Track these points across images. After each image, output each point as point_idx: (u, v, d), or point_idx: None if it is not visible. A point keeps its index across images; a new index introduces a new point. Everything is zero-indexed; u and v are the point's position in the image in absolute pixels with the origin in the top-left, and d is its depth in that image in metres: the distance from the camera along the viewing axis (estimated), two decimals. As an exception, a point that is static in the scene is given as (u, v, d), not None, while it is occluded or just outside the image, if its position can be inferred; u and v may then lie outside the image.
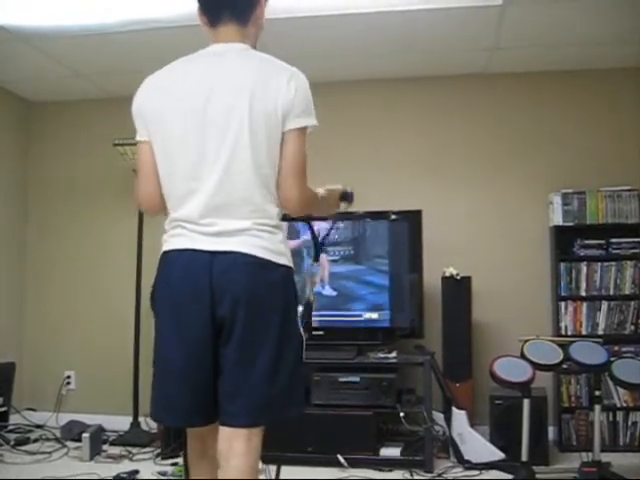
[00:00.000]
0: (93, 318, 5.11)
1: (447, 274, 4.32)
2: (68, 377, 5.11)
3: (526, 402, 3.65)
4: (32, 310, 5.26)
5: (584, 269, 4.40)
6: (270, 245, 1.90)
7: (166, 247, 1.97)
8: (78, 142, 5.29)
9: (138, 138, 2.02)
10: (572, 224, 4.41)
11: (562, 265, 4.41)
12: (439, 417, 4.10)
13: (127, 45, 4.22)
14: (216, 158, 1.88)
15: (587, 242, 4.42)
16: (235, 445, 1.88)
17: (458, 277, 4.30)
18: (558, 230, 4.44)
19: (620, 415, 4.28)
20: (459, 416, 4.02)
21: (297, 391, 2.01)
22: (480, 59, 4.54)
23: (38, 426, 4.82)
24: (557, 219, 4.44)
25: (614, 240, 4.39)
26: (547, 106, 4.74)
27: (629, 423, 4.26)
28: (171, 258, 1.94)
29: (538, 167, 4.69)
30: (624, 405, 4.26)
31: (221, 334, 1.88)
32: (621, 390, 4.18)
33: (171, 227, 1.98)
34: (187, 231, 1.91)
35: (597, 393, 3.69)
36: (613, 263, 4.37)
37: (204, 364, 1.89)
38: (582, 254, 4.42)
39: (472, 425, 4.05)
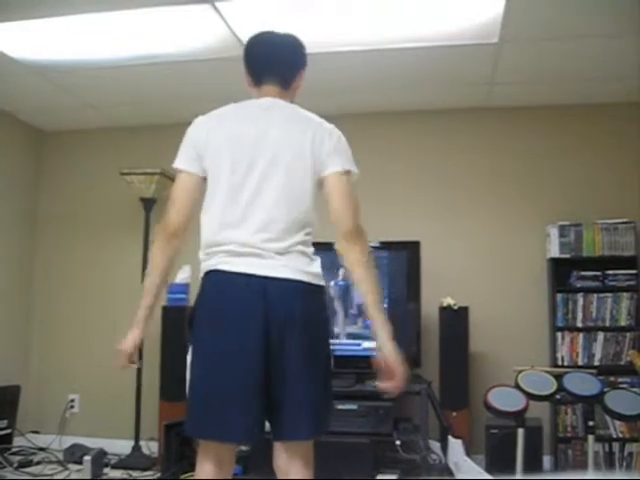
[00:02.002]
0: (98, 343, 5.18)
1: (444, 304, 4.39)
2: (72, 400, 5.18)
3: (520, 432, 3.68)
4: (38, 334, 5.34)
5: (580, 300, 4.45)
6: (313, 270, 2.12)
7: (215, 268, 2.09)
8: (88, 171, 5.41)
9: (183, 167, 2.21)
10: (569, 256, 4.48)
11: (559, 296, 4.47)
12: (435, 445, 4.14)
13: (136, 78, 4.35)
14: (264, 199, 2.09)
15: (583, 274, 4.47)
16: (295, 459, 2.09)
17: (455, 307, 4.36)
18: (555, 261, 4.50)
19: (616, 446, 4.29)
20: (455, 445, 4.05)
21: (333, 406, 2.26)
22: (480, 93, 4.65)
23: (41, 449, 4.89)
24: (554, 251, 4.50)
25: (610, 272, 4.44)
26: (545, 139, 4.82)
27: (625, 454, 4.28)
28: (221, 280, 2.08)
29: (536, 199, 4.77)
30: (620, 436, 4.28)
31: (274, 356, 2.02)
32: (617, 421, 4.20)
33: (215, 251, 2.10)
34: (234, 256, 2.07)
35: (590, 423, 3.71)
36: (609, 295, 4.42)
37: (256, 385, 2.01)
38: (579, 285, 4.46)
39: (468, 454, 4.07)
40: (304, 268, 2.09)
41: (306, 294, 2.08)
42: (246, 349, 2.01)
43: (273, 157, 2.12)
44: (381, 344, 2.11)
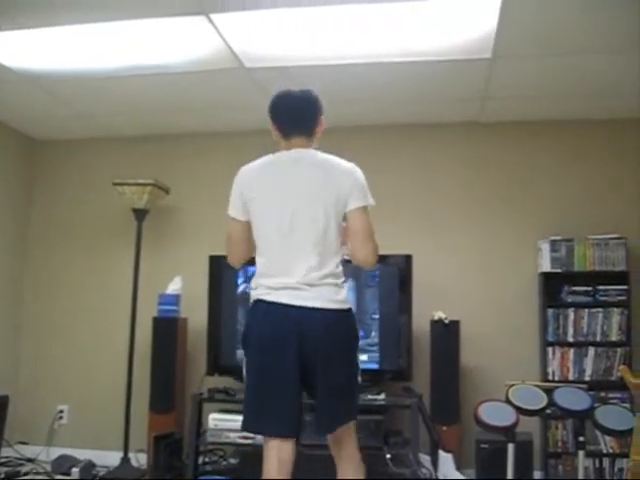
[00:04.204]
0: (88, 353, 5.16)
1: (436, 318, 4.39)
2: (61, 411, 5.15)
3: (510, 446, 3.69)
4: (28, 344, 5.31)
5: (571, 315, 4.46)
6: (341, 297, 2.58)
7: (260, 298, 2.57)
8: (80, 180, 5.41)
9: (235, 216, 2.67)
10: (560, 271, 4.49)
11: (550, 311, 4.48)
12: (426, 459, 4.13)
13: (130, 88, 4.36)
14: (302, 242, 2.55)
15: (575, 289, 4.49)
16: (344, 436, 2.62)
17: (447, 321, 4.36)
18: (546, 276, 4.52)
19: (607, 461, 4.30)
20: (445, 459, 4.04)
21: (358, 401, 2.76)
22: (473, 108, 4.67)
23: (29, 460, 4.87)
24: (545, 265, 4.52)
25: (601, 287, 4.45)
26: (538, 154, 4.85)
27: (615, 469, 4.28)
28: (266, 309, 2.55)
29: (528, 214, 4.79)
30: (610, 451, 4.28)
31: (310, 368, 2.50)
32: (607, 436, 4.20)
33: (261, 284, 2.58)
34: (275, 290, 2.53)
35: (581, 439, 3.72)
36: (600, 310, 4.43)
37: (298, 388, 2.53)
38: (570, 300, 4.48)
39: (459, 468, 4.07)
40: (332, 297, 2.55)
41: (334, 318, 2.55)
42: (287, 362, 2.49)
43: (306, 201, 2.56)
44: None
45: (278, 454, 2.51)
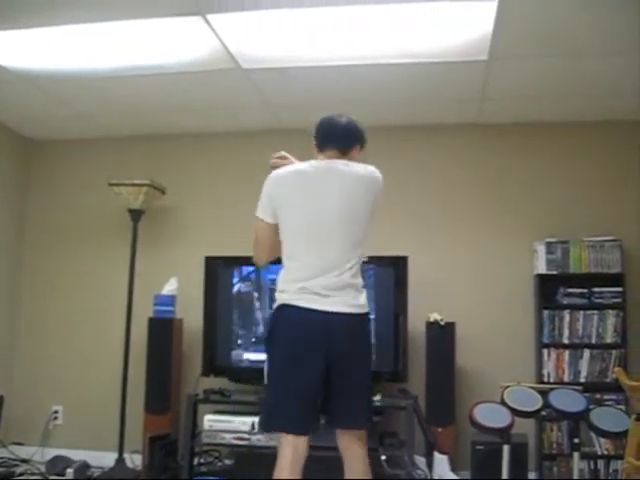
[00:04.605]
0: (83, 354, 5.15)
1: (432, 320, 4.39)
2: (56, 412, 5.13)
3: (506, 448, 3.69)
4: (23, 345, 5.30)
5: (567, 317, 4.47)
6: (362, 302, 2.74)
7: (288, 302, 2.69)
8: (76, 181, 5.40)
9: (264, 218, 2.80)
10: (556, 273, 4.50)
11: (545, 313, 4.49)
12: (421, 461, 4.13)
13: (127, 89, 4.35)
14: (330, 247, 2.70)
15: (570, 291, 4.50)
16: (355, 441, 2.75)
17: (442, 323, 4.36)
18: (542, 278, 4.52)
19: (601, 463, 4.31)
20: (441, 460, 4.05)
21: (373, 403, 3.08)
22: (470, 110, 4.68)
23: (24, 460, 4.85)
24: (541, 267, 4.53)
25: (596, 289, 4.47)
26: (534, 156, 4.86)
27: (610, 471, 4.29)
28: (293, 313, 2.68)
29: (524, 215, 4.79)
30: (605, 453, 4.29)
31: (334, 368, 2.65)
32: (602, 438, 4.21)
33: (287, 289, 2.71)
34: (303, 294, 2.67)
35: (576, 440, 3.72)
36: (595, 312, 4.44)
37: (317, 391, 2.66)
38: (565, 302, 4.49)
39: (454, 470, 4.08)
40: (353, 302, 2.70)
41: (354, 322, 2.71)
42: (313, 365, 2.63)
43: (336, 209, 2.70)
44: None
45: (294, 449, 2.64)
